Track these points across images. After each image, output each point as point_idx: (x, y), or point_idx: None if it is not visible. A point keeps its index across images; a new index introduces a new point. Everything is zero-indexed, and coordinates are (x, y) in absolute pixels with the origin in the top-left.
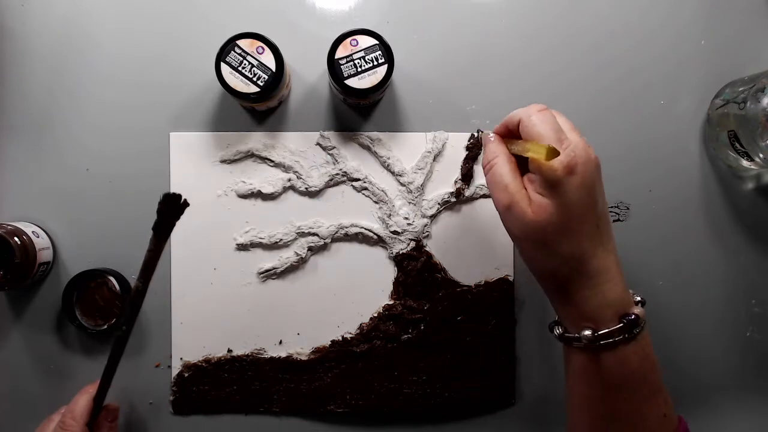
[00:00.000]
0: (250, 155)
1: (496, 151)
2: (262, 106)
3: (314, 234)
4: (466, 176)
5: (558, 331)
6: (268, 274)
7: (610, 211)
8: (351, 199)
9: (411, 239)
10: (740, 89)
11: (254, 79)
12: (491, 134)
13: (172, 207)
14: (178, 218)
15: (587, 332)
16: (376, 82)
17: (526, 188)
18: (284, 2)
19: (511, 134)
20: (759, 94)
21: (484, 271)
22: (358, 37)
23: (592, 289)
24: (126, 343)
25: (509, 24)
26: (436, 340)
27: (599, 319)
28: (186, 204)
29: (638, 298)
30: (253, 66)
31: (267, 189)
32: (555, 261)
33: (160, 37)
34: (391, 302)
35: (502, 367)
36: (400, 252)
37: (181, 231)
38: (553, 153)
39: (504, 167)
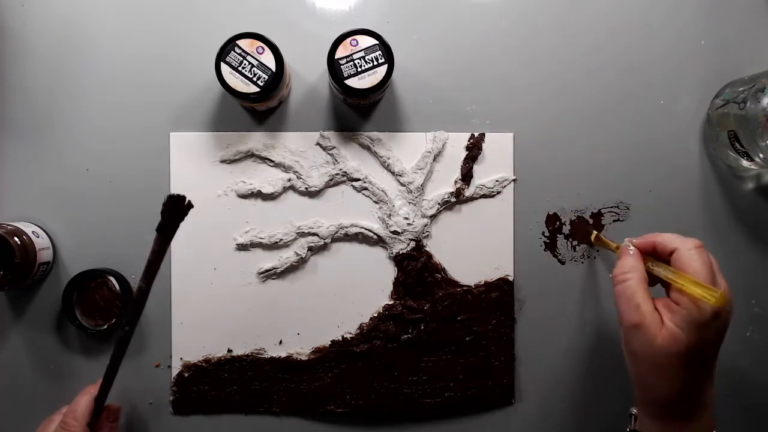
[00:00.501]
0: (250, 155)
1: (634, 267)
2: (262, 106)
3: (314, 234)
4: (466, 176)
5: None
6: (268, 274)
7: (610, 211)
8: (351, 199)
9: (411, 239)
10: (740, 89)
11: (254, 79)
12: (631, 247)
13: (176, 208)
14: (182, 220)
15: None
16: (376, 82)
17: (657, 310)
18: (284, 2)
19: (653, 253)
20: (759, 94)
21: (484, 271)
22: (358, 37)
23: (690, 424)
24: (128, 343)
25: (509, 24)
26: (436, 340)
27: None
28: (190, 206)
29: None
30: (253, 66)
31: (267, 189)
32: (668, 389)
33: (160, 37)
34: (391, 302)
35: (502, 367)
36: (400, 252)
37: (181, 231)
38: (723, 300)
39: (639, 285)
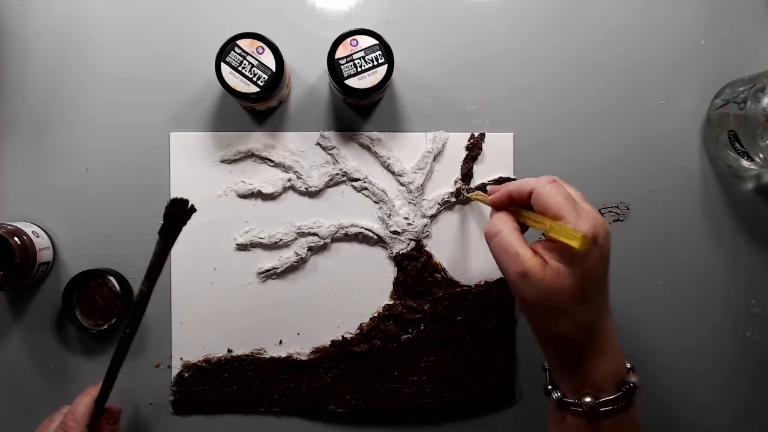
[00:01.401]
0: (250, 155)
1: (502, 218)
2: (262, 106)
3: (314, 234)
4: (466, 176)
5: (556, 395)
6: (268, 274)
7: (610, 211)
8: (351, 199)
9: (411, 239)
10: (740, 89)
11: (254, 79)
12: (490, 199)
13: (178, 212)
14: (184, 223)
15: (588, 399)
16: (376, 82)
17: (538, 254)
18: (284, 2)
19: (514, 202)
20: (759, 94)
21: (484, 271)
22: (358, 37)
23: (600, 357)
24: (129, 345)
25: (509, 24)
26: (436, 340)
27: (600, 387)
28: (193, 209)
29: (628, 365)
30: (253, 66)
31: (267, 189)
32: (568, 328)
33: (160, 37)
34: (391, 302)
35: (502, 367)
36: (400, 252)
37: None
38: (587, 242)
39: (512, 234)
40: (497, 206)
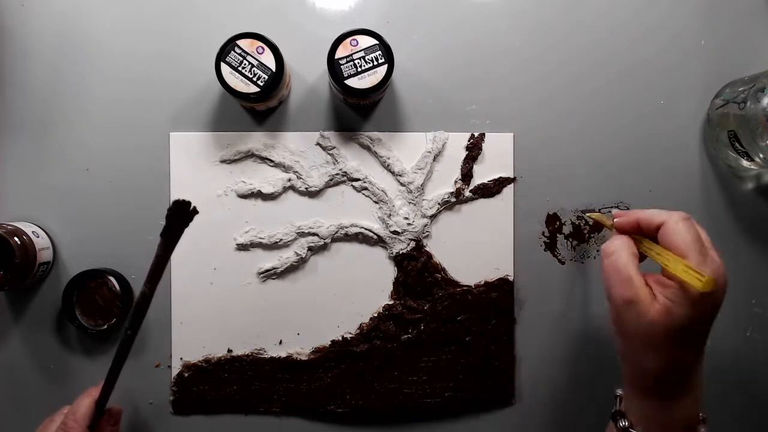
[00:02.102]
0: (250, 155)
1: (623, 242)
2: (262, 106)
3: (314, 234)
4: (466, 176)
5: (623, 423)
6: (268, 274)
7: (610, 211)
8: (351, 199)
9: (411, 239)
10: (740, 89)
11: (254, 79)
12: (616, 222)
13: (181, 214)
14: (186, 225)
15: None
16: (376, 82)
17: (648, 285)
18: (284, 2)
19: (640, 230)
20: (759, 94)
21: (484, 271)
22: (358, 37)
23: (681, 400)
24: (131, 347)
25: (509, 24)
26: (436, 340)
27: (670, 428)
28: (195, 212)
29: (702, 415)
30: (253, 66)
31: (267, 189)
32: (659, 366)
33: (160, 37)
34: (391, 302)
35: (502, 367)
36: (400, 252)
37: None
38: (710, 285)
39: (629, 259)
40: (621, 231)
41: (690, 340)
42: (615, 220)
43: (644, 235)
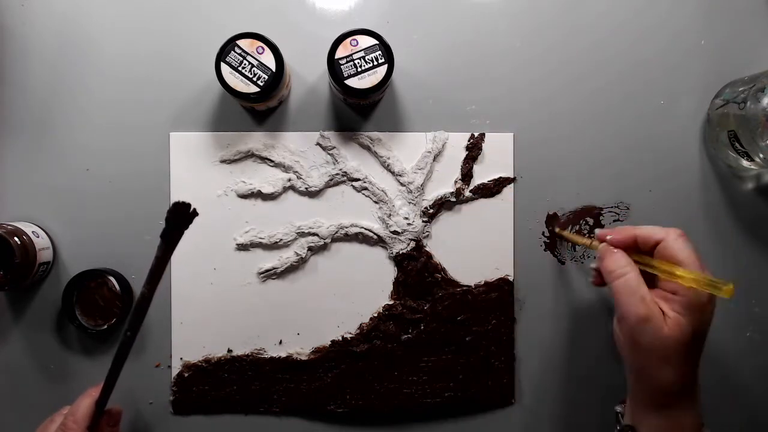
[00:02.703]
0: (250, 155)
1: (628, 261)
2: (262, 106)
3: (314, 234)
4: (466, 176)
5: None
6: (268, 274)
7: (610, 211)
8: (351, 199)
9: (411, 239)
10: (740, 89)
11: (254, 79)
12: (610, 239)
13: (181, 216)
14: (186, 227)
15: None
16: (376, 82)
17: (655, 301)
18: (284, 2)
19: (635, 246)
20: (759, 94)
21: (484, 271)
22: (358, 37)
23: (689, 409)
24: (130, 349)
25: (509, 24)
26: (436, 340)
27: None
28: (195, 213)
29: (702, 423)
30: (253, 66)
31: (267, 189)
32: (672, 377)
33: (160, 37)
34: (391, 302)
35: (502, 367)
36: (400, 252)
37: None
38: (729, 290)
39: (639, 279)
40: (617, 247)
41: (699, 349)
42: (609, 237)
43: (637, 251)
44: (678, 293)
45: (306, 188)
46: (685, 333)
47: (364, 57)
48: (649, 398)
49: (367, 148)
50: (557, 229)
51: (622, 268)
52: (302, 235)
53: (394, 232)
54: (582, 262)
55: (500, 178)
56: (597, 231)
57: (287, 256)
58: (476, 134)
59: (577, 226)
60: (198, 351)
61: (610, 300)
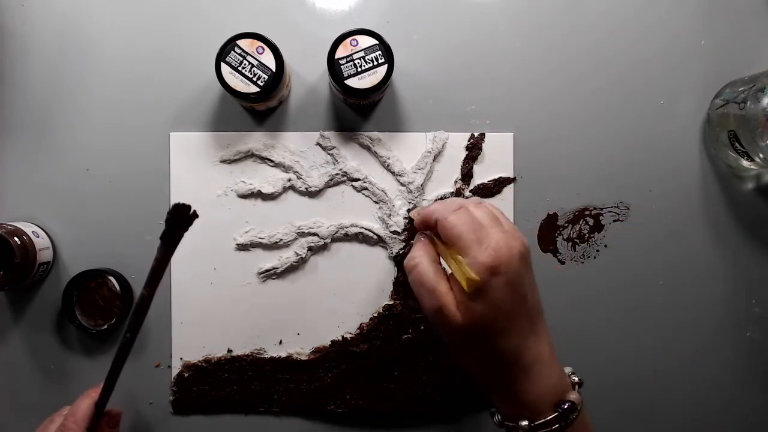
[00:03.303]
0: (250, 155)
1: (421, 249)
2: (262, 106)
3: (314, 234)
4: (466, 176)
5: (497, 419)
6: (268, 274)
7: (610, 211)
8: (351, 199)
9: (411, 239)
10: (740, 89)
11: (254, 79)
12: (415, 223)
13: (181, 217)
14: (186, 229)
15: (524, 423)
16: (376, 82)
17: (452, 288)
18: (284, 2)
19: (431, 229)
20: (759, 94)
21: None
22: (358, 37)
23: (528, 382)
24: (130, 350)
25: (509, 24)
26: (436, 340)
27: (536, 410)
28: (195, 215)
29: (576, 379)
30: (253, 66)
31: (267, 189)
32: (488, 359)
33: (160, 37)
34: (391, 302)
35: None
36: (400, 252)
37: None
38: (473, 284)
39: (429, 267)
40: (422, 229)
41: (504, 327)
42: (415, 221)
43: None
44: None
45: (306, 188)
46: (480, 316)
47: (364, 57)
48: (485, 383)
49: (367, 148)
50: (412, 215)
51: (414, 259)
52: (302, 235)
53: (394, 232)
54: (582, 262)
55: (500, 178)
56: (412, 212)
57: (287, 256)
58: (476, 134)
59: (577, 226)
60: (198, 351)
61: (609, 300)
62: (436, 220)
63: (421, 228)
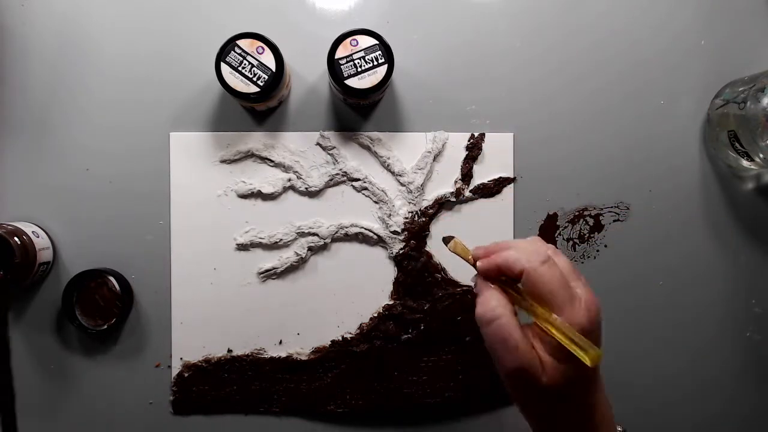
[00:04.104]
0: (250, 155)
1: (500, 300)
2: (262, 106)
3: (314, 234)
4: (466, 176)
5: None
6: (268, 274)
7: (610, 211)
8: (351, 199)
9: (411, 239)
10: (740, 89)
11: (254, 79)
12: (480, 266)
13: None
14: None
15: None
16: (376, 82)
17: (533, 345)
18: (284, 2)
19: (501, 274)
20: (759, 94)
21: None
22: (358, 37)
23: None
24: None
25: (509, 24)
26: (436, 340)
27: None
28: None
29: (620, 429)
30: (253, 66)
31: (267, 189)
32: (564, 417)
33: (160, 37)
34: (391, 302)
35: None
36: (400, 252)
37: (181, 231)
38: (599, 359)
39: (512, 322)
40: (488, 274)
41: (588, 386)
42: (478, 263)
43: (509, 278)
44: (549, 333)
45: (306, 188)
46: (564, 378)
47: (364, 57)
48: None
49: (367, 148)
50: (450, 248)
51: (491, 311)
52: (302, 235)
53: (394, 232)
54: (582, 262)
55: (500, 178)
56: (473, 250)
57: (287, 256)
58: (476, 134)
59: (577, 226)
60: (198, 351)
61: (609, 300)
62: (523, 271)
63: (493, 274)
